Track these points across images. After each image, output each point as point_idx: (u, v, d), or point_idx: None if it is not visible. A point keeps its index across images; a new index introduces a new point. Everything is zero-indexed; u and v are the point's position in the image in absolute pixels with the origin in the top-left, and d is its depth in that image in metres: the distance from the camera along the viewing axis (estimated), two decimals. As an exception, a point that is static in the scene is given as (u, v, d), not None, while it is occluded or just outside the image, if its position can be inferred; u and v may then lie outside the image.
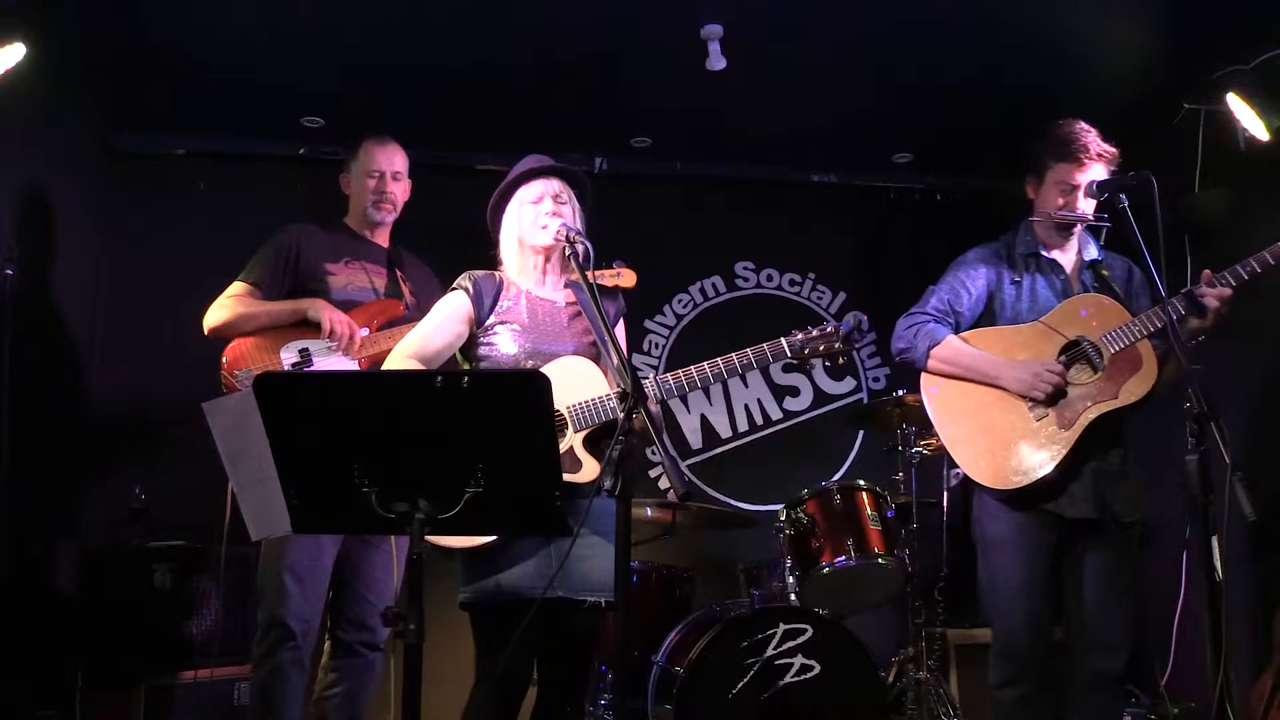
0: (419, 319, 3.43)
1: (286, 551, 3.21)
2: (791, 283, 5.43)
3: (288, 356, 3.37)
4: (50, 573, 3.92)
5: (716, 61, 4.02)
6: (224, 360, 3.39)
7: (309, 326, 3.38)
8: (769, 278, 5.42)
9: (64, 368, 4.24)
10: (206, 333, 3.44)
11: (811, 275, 5.43)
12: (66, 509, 4.08)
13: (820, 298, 5.41)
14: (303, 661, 3.21)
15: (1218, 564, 2.47)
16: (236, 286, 3.48)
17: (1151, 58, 4.20)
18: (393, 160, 3.62)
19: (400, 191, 3.64)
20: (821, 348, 2.75)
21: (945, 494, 4.13)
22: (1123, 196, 2.74)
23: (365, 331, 3.42)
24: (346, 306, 3.43)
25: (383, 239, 3.66)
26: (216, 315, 3.43)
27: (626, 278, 3.39)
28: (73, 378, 4.30)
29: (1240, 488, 2.37)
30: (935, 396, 3.13)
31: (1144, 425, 3.88)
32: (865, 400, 5.22)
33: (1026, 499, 2.97)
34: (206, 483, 3.16)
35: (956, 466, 3.18)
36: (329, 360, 3.36)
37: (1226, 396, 3.20)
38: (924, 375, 3.15)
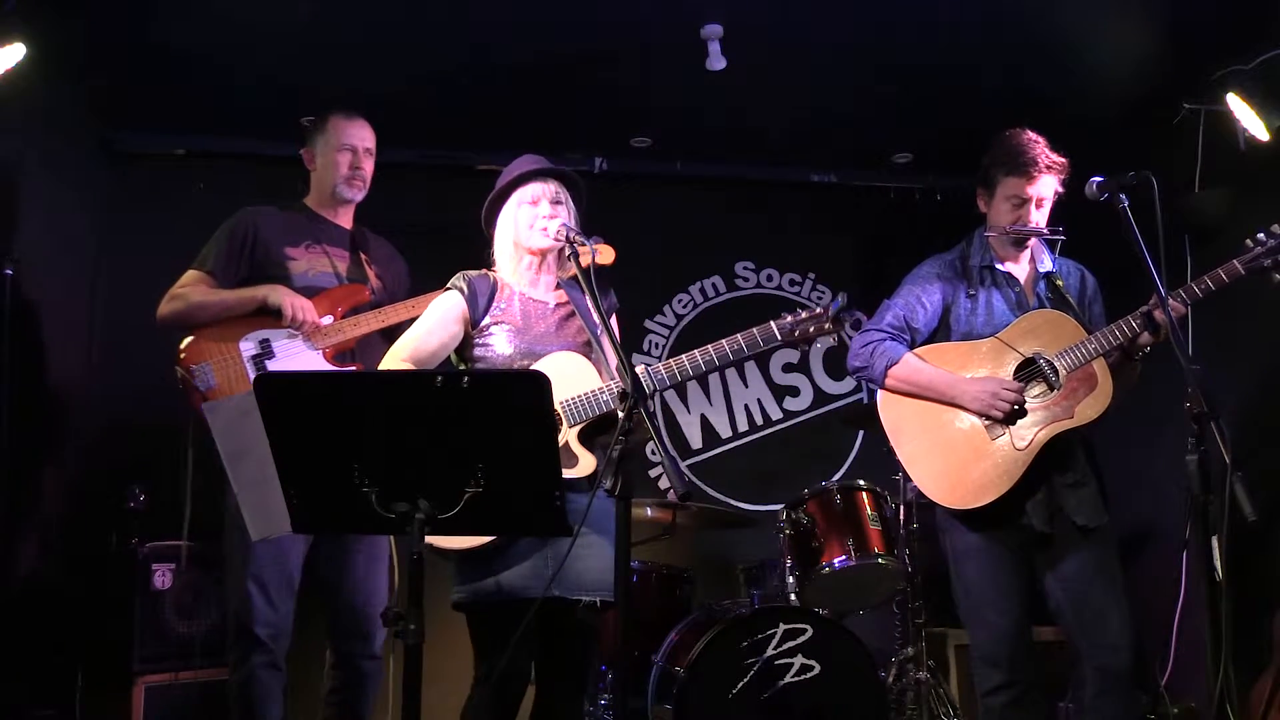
0: (385, 302, 3.39)
1: (249, 560, 3.11)
2: (791, 283, 5.43)
3: (247, 348, 3.22)
4: (50, 573, 3.92)
5: (716, 61, 4.02)
6: (180, 354, 3.22)
7: (268, 315, 3.22)
8: (769, 278, 5.42)
9: (64, 368, 4.23)
10: (159, 325, 3.27)
11: (811, 275, 5.44)
12: (66, 509, 4.08)
13: (820, 298, 5.41)
14: (276, 663, 3.15)
15: (1218, 564, 2.47)
16: (190, 275, 3.31)
17: (1151, 58, 4.20)
18: (364, 136, 3.48)
19: (369, 169, 3.49)
20: (812, 329, 2.75)
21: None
22: (1123, 196, 2.74)
23: (329, 319, 3.28)
24: (309, 293, 3.28)
25: (346, 220, 3.50)
26: (170, 306, 3.26)
27: (605, 253, 3.32)
28: (73, 378, 4.30)
29: (1240, 488, 2.37)
30: (892, 414, 3.12)
31: (1143, 426, 3.89)
32: (865, 400, 5.22)
33: (984, 516, 2.97)
34: (206, 483, 3.17)
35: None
36: (292, 350, 3.23)
37: (1226, 396, 3.20)
38: (880, 393, 3.15)
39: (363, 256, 3.47)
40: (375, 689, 3.36)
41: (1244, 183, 4.03)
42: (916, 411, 3.07)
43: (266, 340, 3.23)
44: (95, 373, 4.47)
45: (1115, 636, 2.91)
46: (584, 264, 2.62)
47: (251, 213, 3.41)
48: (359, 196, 3.48)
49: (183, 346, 3.23)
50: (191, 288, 3.29)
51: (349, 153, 3.44)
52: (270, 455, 2.04)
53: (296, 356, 3.22)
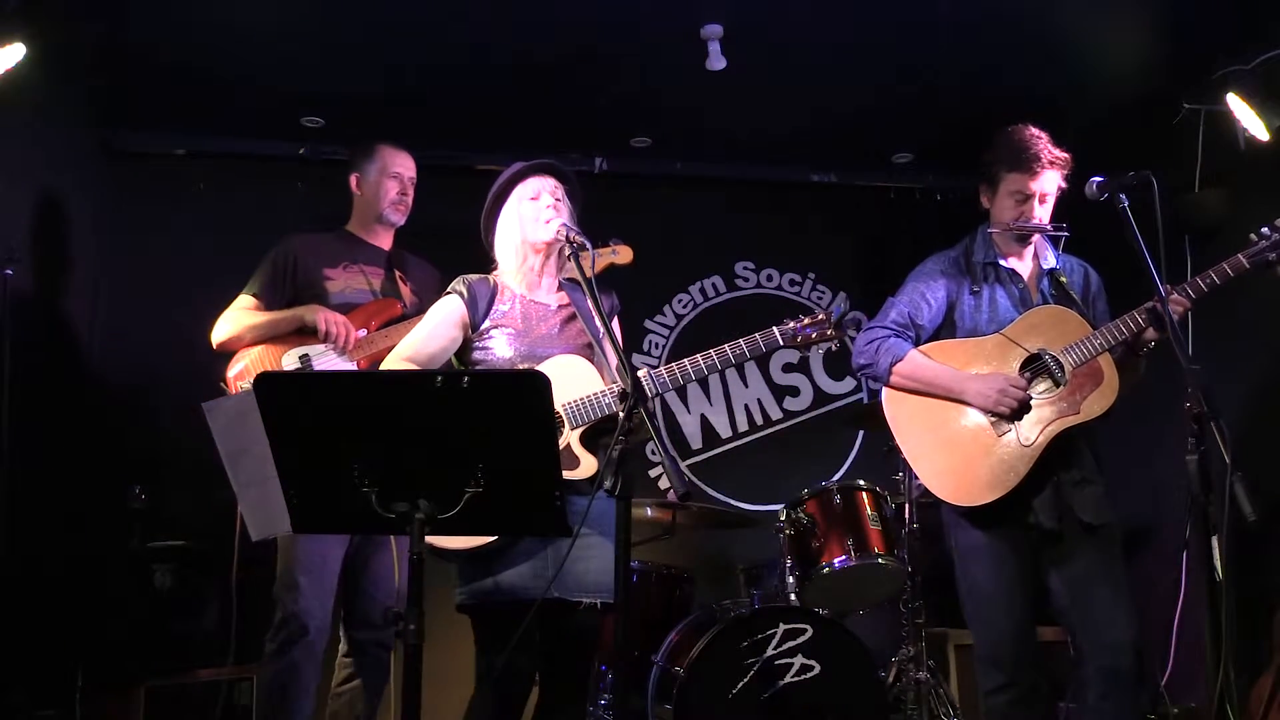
0: (419, 317, 3.49)
1: (297, 551, 3.26)
2: (791, 283, 5.43)
3: (289, 363, 3.41)
4: (50, 573, 3.92)
5: (716, 61, 4.02)
6: (230, 373, 3.43)
7: (309, 333, 3.42)
8: (769, 278, 5.42)
9: (64, 368, 4.23)
10: (214, 346, 3.49)
11: (811, 275, 5.44)
12: (66, 509, 4.08)
13: (820, 298, 5.41)
14: (316, 656, 3.25)
15: (1218, 564, 2.47)
16: (240, 300, 3.55)
17: (1151, 58, 4.20)
18: (410, 166, 3.70)
19: (412, 196, 3.70)
20: (814, 334, 2.76)
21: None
22: (1123, 196, 2.74)
23: (363, 332, 3.45)
24: (345, 309, 3.47)
25: (385, 242, 3.70)
26: (222, 329, 3.49)
27: (623, 254, 3.41)
28: (73, 378, 4.29)
29: (1240, 488, 2.36)
30: (897, 411, 3.12)
31: (1143, 426, 3.89)
32: (865, 400, 5.22)
33: (990, 513, 2.97)
34: (206, 483, 3.16)
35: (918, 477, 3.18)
36: (328, 363, 3.40)
37: (1226, 396, 3.19)
38: (885, 390, 3.14)
39: (398, 274, 3.65)
40: (385, 680, 3.45)
41: (1244, 183, 4.03)
42: (922, 409, 3.07)
43: (306, 355, 3.42)
44: (96, 372, 4.47)
45: (1119, 637, 2.90)
46: (584, 265, 2.62)
47: (294, 240, 3.63)
48: (402, 221, 3.69)
49: (233, 372, 3.44)
50: (242, 311, 3.51)
51: (397, 180, 3.65)
52: (270, 455, 2.04)
53: (333, 368, 3.40)
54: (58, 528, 4.00)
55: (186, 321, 3.72)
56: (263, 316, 3.47)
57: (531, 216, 2.81)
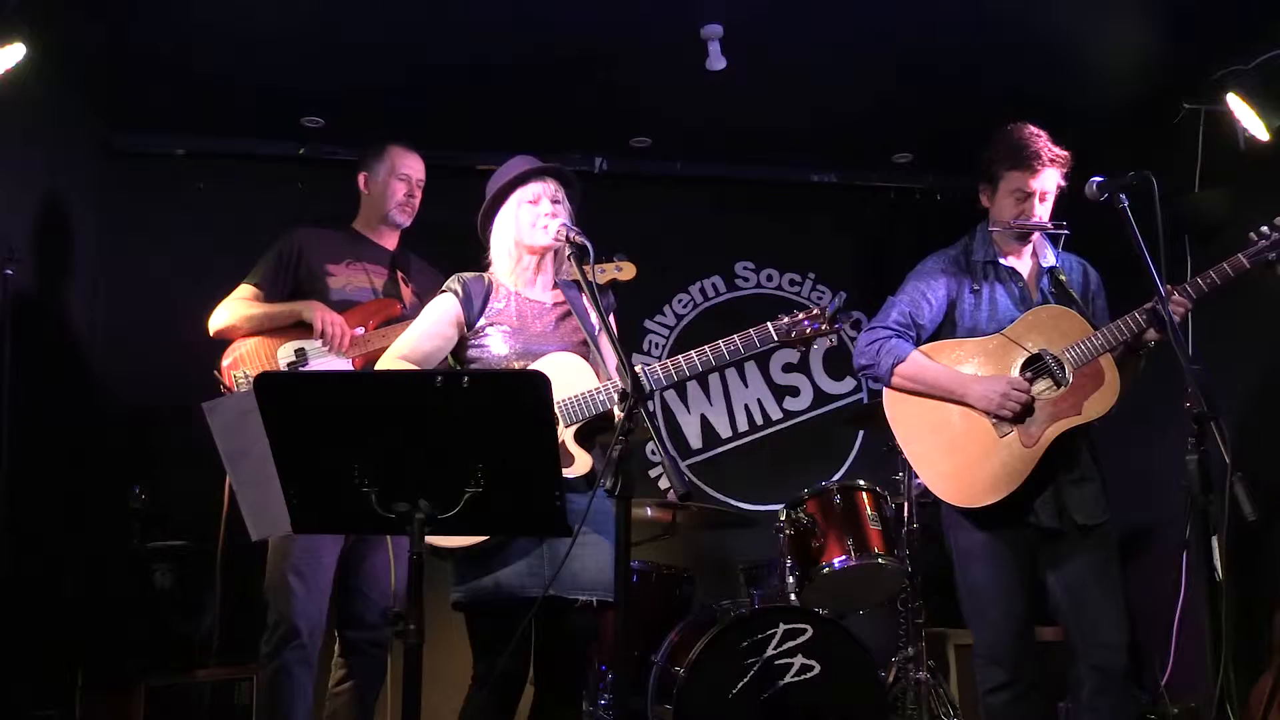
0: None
1: (289, 551, 3.24)
2: (791, 283, 5.43)
3: (284, 356, 3.41)
4: (50, 573, 3.92)
5: (716, 61, 4.02)
6: (224, 363, 3.43)
7: (307, 328, 3.42)
8: (769, 278, 5.41)
9: (64, 368, 4.23)
10: (211, 334, 3.49)
11: (811, 275, 5.43)
12: (66, 509, 4.08)
13: (820, 298, 5.41)
14: (309, 660, 3.24)
15: (1218, 564, 2.47)
16: (241, 289, 3.54)
17: (1151, 58, 4.20)
18: (419, 168, 3.70)
19: (419, 199, 3.71)
20: (809, 330, 2.76)
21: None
22: (1123, 196, 2.74)
23: (360, 331, 3.45)
24: (344, 306, 3.47)
25: (390, 242, 3.70)
26: (219, 317, 3.49)
27: (627, 270, 3.46)
28: (73, 378, 4.29)
29: (1240, 488, 2.36)
30: (899, 412, 3.11)
31: (1143, 426, 3.89)
32: (865, 400, 5.22)
33: (991, 514, 2.97)
34: (206, 483, 3.18)
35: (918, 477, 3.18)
36: (324, 360, 3.40)
37: (1226, 396, 3.19)
38: (886, 391, 3.14)
39: (400, 275, 3.65)
40: (381, 679, 3.44)
41: (1244, 183, 4.03)
42: (923, 410, 3.07)
43: (302, 349, 3.43)
44: (96, 372, 4.47)
45: (1111, 637, 2.92)
46: (585, 267, 2.62)
47: (300, 232, 3.63)
48: (407, 222, 3.70)
49: (227, 361, 3.44)
50: (241, 300, 3.51)
51: (405, 182, 3.66)
52: (269, 454, 2.04)
53: (328, 364, 3.40)
54: (58, 528, 4.00)
55: (186, 321, 3.72)
56: (260, 308, 3.48)
57: (529, 221, 2.81)
